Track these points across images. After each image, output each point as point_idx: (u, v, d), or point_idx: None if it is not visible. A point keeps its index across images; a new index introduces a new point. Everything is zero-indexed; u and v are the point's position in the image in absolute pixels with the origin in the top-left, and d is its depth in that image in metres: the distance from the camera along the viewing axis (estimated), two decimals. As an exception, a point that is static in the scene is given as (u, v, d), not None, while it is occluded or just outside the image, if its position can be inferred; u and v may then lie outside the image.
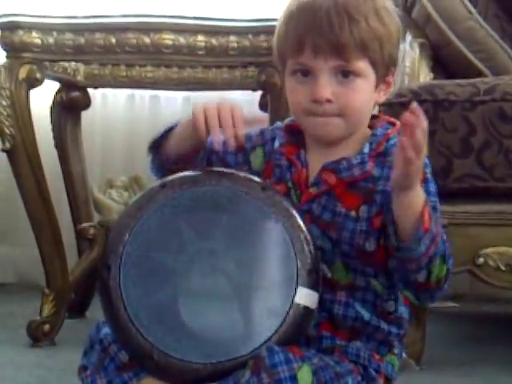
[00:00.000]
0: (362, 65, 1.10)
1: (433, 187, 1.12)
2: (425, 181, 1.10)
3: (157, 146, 1.19)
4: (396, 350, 1.16)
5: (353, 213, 1.11)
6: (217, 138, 1.11)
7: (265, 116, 1.19)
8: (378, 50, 1.10)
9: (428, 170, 1.12)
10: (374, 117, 1.17)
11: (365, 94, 1.11)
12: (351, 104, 1.10)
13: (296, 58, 1.11)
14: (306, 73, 1.11)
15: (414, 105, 1.01)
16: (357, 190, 1.12)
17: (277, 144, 1.19)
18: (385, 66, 1.13)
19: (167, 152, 1.17)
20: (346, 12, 1.08)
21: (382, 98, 1.15)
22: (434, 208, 1.10)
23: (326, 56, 1.09)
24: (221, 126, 1.11)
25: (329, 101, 1.10)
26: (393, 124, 1.16)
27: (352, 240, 1.11)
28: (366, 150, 1.12)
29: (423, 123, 1.00)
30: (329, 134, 1.12)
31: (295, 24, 1.10)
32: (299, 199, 1.14)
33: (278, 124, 1.22)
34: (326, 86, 1.09)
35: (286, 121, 1.21)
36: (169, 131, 1.19)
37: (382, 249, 1.11)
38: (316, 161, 1.15)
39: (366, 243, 1.11)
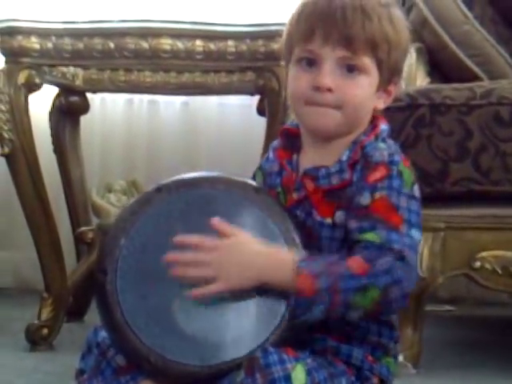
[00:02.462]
0: (368, 62, 1.11)
1: (397, 184, 1.09)
2: (389, 177, 1.09)
3: None
4: (392, 352, 1.16)
5: (328, 220, 1.11)
6: None
7: None
8: (386, 52, 1.11)
9: (395, 167, 1.09)
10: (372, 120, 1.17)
11: (365, 91, 1.12)
12: (351, 98, 1.11)
13: (304, 45, 1.12)
14: (312, 62, 1.12)
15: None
16: (333, 198, 1.11)
17: (271, 154, 1.21)
18: (389, 72, 1.13)
19: None
20: (361, 8, 1.10)
21: (381, 105, 1.15)
22: (395, 206, 1.07)
23: (335, 45, 1.10)
24: None
25: (330, 90, 1.10)
26: (374, 127, 1.15)
27: (330, 248, 1.10)
28: (345, 157, 1.12)
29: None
30: (325, 126, 1.12)
31: (308, 12, 1.12)
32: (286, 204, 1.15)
33: (274, 142, 1.23)
34: (329, 75, 1.10)
35: (284, 125, 1.22)
36: None
37: None
38: (307, 164, 1.15)
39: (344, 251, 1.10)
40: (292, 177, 1.16)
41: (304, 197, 1.13)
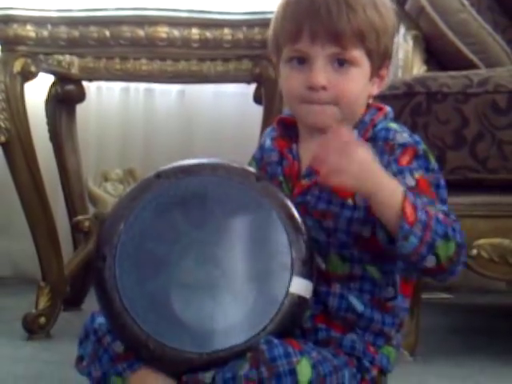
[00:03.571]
0: (358, 54, 1.11)
1: (424, 163, 1.11)
2: (418, 157, 1.10)
3: None
4: (394, 341, 1.17)
5: (349, 201, 1.11)
6: None
7: None
8: (375, 41, 1.11)
9: (420, 147, 1.11)
10: (367, 106, 1.18)
11: (359, 83, 1.12)
12: (346, 92, 1.11)
13: (293, 45, 1.11)
14: (302, 60, 1.12)
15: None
16: None
17: (268, 142, 1.20)
18: (380, 58, 1.14)
19: None
20: (345, 1, 1.09)
21: (375, 90, 1.16)
22: (432, 184, 1.09)
23: (323, 43, 1.10)
24: None
25: (324, 88, 1.10)
26: (380, 109, 1.16)
27: (349, 228, 1.11)
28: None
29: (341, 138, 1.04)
30: (323, 122, 1.13)
31: (293, 11, 1.11)
32: (291, 192, 1.15)
33: (269, 128, 1.23)
34: (322, 73, 1.10)
35: (280, 115, 1.22)
36: None
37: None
38: (308, 152, 1.15)
39: (363, 230, 1.11)
40: (294, 165, 1.16)
41: (315, 182, 1.13)
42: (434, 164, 1.12)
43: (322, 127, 1.14)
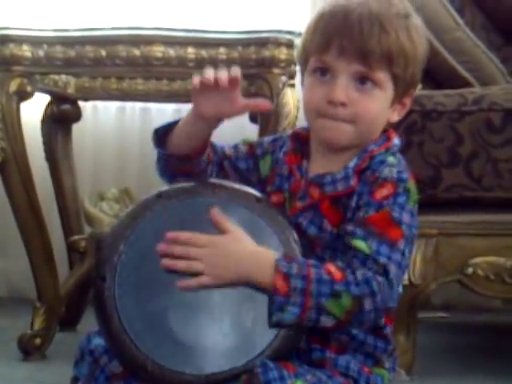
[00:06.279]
0: (383, 76, 1.10)
1: (402, 200, 1.08)
2: (395, 194, 1.08)
3: (161, 138, 1.18)
4: (387, 365, 1.15)
5: (335, 229, 1.10)
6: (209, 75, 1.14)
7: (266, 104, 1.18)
8: (402, 67, 1.10)
9: (402, 185, 1.09)
10: (384, 131, 1.16)
11: (379, 106, 1.11)
12: (364, 112, 1.10)
13: (319, 56, 1.11)
14: (325, 72, 1.11)
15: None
16: (340, 207, 1.11)
17: (282, 152, 1.19)
18: (405, 85, 1.12)
19: (170, 147, 1.17)
20: (379, 21, 1.08)
21: (395, 118, 1.14)
22: (398, 221, 1.07)
23: (350, 59, 1.09)
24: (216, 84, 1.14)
25: (343, 104, 1.09)
26: (388, 139, 1.14)
27: (335, 259, 1.09)
28: (352, 164, 1.11)
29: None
30: (337, 139, 1.11)
31: (325, 23, 1.11)
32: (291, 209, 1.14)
33: (288, 132, 1.22)
34: (343, 89, 1.09)
35: (295, 128, 1.21)
36: (172, 124, 1.19)
37: None
38: (315, 171, 1.14)
39: None
40: (300, 183, 1.14)
41: (309, 205, 1.12)
42: (412, 205, 1.09)
43: (335, 145, 1.12)
